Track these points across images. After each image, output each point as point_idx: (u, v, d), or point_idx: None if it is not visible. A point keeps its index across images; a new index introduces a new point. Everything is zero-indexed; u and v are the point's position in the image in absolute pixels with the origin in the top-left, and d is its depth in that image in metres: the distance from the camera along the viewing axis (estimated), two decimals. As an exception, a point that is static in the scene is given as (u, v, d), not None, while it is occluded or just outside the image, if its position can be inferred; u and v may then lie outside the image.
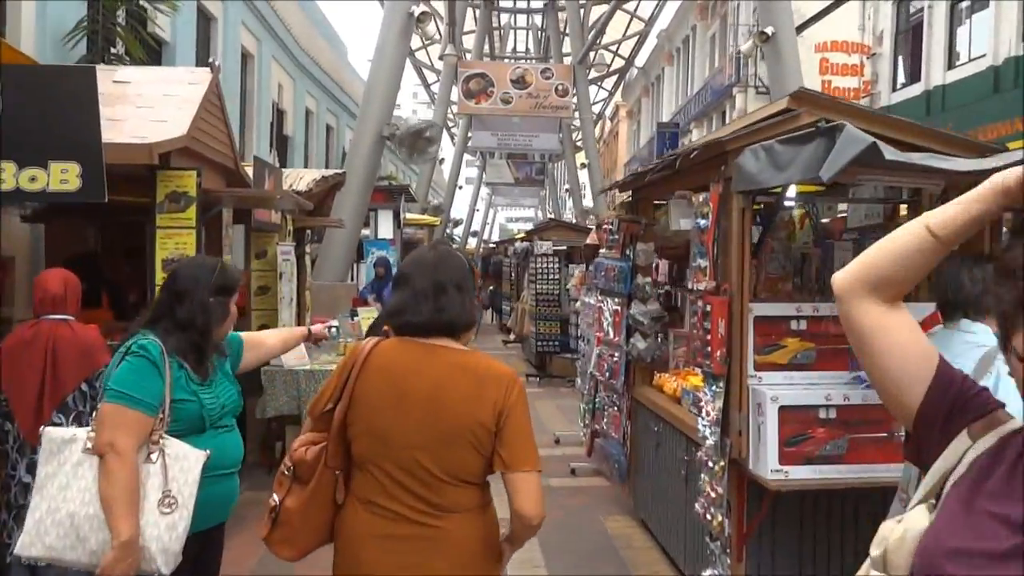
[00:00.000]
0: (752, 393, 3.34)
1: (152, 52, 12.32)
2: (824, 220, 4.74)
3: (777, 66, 10.20)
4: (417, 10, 10.00)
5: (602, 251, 5.61)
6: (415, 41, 28.44)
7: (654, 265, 5.22)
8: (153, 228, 4.71)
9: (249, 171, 6.26)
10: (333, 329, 5.27)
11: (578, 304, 7.45)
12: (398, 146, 10.20)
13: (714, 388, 3.41)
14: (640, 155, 31.74)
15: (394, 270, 12.58)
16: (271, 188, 6.34)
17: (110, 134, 4.40)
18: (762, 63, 19.54)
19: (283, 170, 7.25)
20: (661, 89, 29.53)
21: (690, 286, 3.60)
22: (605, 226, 5.61)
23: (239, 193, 5.17)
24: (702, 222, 3.47)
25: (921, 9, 14.66)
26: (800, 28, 16.73)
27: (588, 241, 6.45)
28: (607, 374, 5.38)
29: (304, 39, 19.67)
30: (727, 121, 21.83)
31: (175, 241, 4.72)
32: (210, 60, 5.07)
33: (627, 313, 5.17)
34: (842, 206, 5.09)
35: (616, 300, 5.26)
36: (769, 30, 9.98)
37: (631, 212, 5.28)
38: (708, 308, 3.41)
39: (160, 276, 4.70)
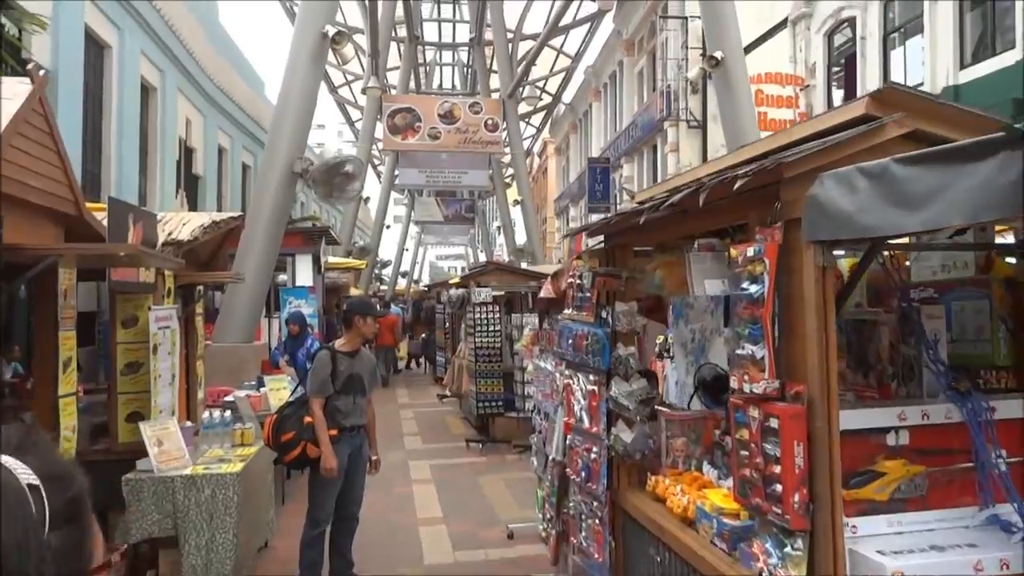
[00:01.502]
0: (852, 559, 2.07)
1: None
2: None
3: (727, 91, 9.28)
4: (332, 30, 8.65)
5: (567, 312, 4.32)
6: (337, 77, 27.07)
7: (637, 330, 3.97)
8: (-74, 305, 3.14)
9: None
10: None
11: (529, 368, 6.12)
12: (313, 183, 8.74)
13: (790, 548, 2.11)
14: (570, 191, 31.00)
15: (313, 323, 10.99)
16: (136, 238, 4.81)
17: None
18: (692, 97, 19.12)
19: (160, 215, 5.70)
20: (589, 125, 28.90)
21: (734, 384, 2.32)
22: (570, 279, 4.33)
23: (60, 250, 3.65)
24: (753, 288, 2.21)
25: (851, 40, 14.25)
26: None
27: (542, 293, 5.14)
28: (582, 473, 4.04)
29: (215, 71, 18.01)
30: (659, 155, 21.23)
31: (-40, 323, 3.17)
32: (28, 65, 3.55)
33: (606, 395, 3.88)
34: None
35: (591, 377, 3.96)
36: (719, 54, 9.06)
37: (606, 261, 4.02)
38: (773, 423, 2.13)
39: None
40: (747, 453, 2.26)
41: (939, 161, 1.72)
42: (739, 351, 2.28)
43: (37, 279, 3.97)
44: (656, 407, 3.90)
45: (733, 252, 2.34)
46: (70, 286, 4.18)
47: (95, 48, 12.75)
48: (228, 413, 5.75)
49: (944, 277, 2.97)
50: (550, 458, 5.33)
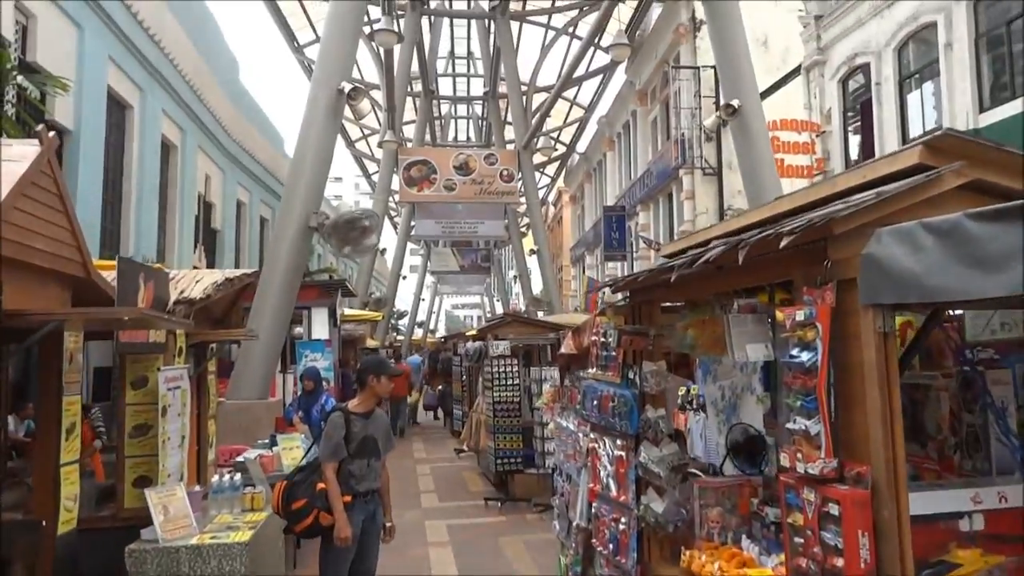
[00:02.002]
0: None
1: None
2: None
3: (744, 139, 9.16)
4: (348, 86, 8.66)
5: (592, 371, 4.09)
6: (354, 131, 27.46)
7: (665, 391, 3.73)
8: (-81, 375, 2.99)
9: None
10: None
11: (550, 426, 5.86)
12: (329, 237, 8.64)
13: (857, 657, 1.84)
14: (586, 239, 30.94)
15: (329, 377, 10.79)
16: (147, 299, 4.68)
17: None
18: (707, 145, 19.09)
19: (172, 273, 5.58)
20: (604, 173, 28.97)
21: (784, 462, 2.09)
22: (593, 336, 4.11)
23: (63, 315, 3.50)
24: (805, 356, 1.99)
25: (865, 85, 14.18)
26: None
27: (563, 350, 4.91)
28: (610, 545, 3.76)
29: (234, 128, 18.27)
30: (675, 202, 21.14)
31: (-46, 394, 3.00)
32: (39, 126, 3.44)
33: (634, 460, 3.63)
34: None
35: (618, 442, 3.72)
36: (735, 103, 8.96)
37: (632, 318, 3.81)
38: (833, 509, 1.88)
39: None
40: (802, 540, 2.01)
41: (1021, 217, 1.52)
42: (790, 425, 2.05)
43: (42, 342, 3.83)
44: (688, 471, 3.64)
45: (779, 316, 2.13)
46: (76, 349, 4.02)
47: (117, 108, 12.93)
48: (238, 476, 5.52)
49: (1005, 336, 2.73)
50: (574, 524, 5.04)
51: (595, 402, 3.91)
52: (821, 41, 15.35)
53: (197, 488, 5.31)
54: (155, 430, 5.11)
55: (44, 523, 3.87)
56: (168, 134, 14.84)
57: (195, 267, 15.25)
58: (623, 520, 3.67)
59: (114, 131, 12.82)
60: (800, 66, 15.87)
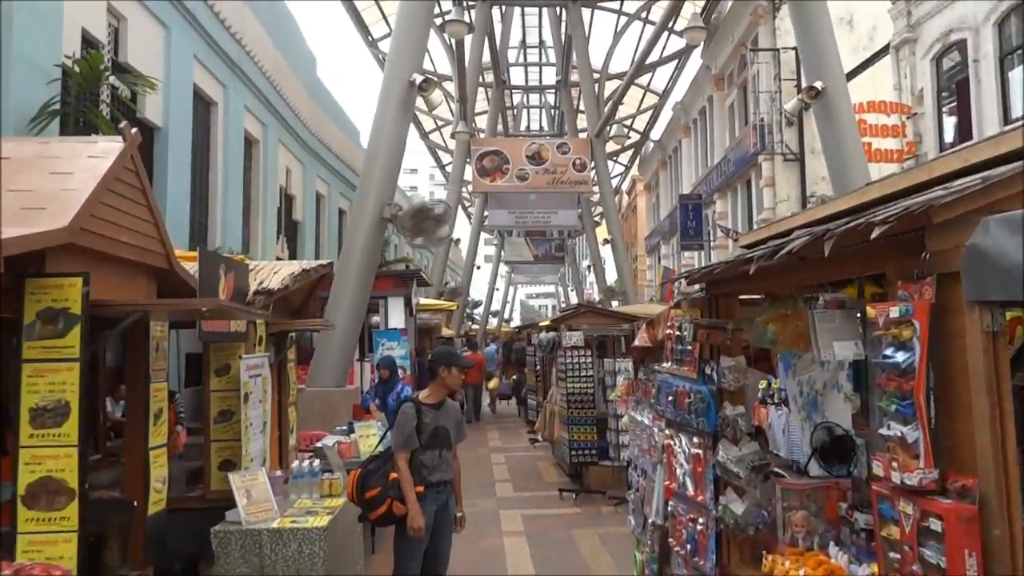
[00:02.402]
0: None
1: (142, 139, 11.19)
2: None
3: (828, 123, 8.72)
4: (419, 78, 8.70)
5: (666, 365, 3.97)
6: (428, 123, 27.75)
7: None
8: (18, 361, 3.14)
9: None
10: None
11: (624, 419, 5.75)
12: (402, 228, 8.73)
13: None
14: (661, 228, 30.38)
15: (405, 365, 10.94)
16: (228, 290, 4.81)
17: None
18: (788, 130, 18.37)
19: (252, 264, 5.74)
20: (679, 161, 28.33)
21: (878, 471, 1.94)
22: (668, 329, 3.98)
23: (146, 306, 3.61)
24: (900, 356, 1.83)
25: (962, 63, 13.30)
26: (830, 90, 15.52)
27: (636, 342, 4.79)
28: (687, 546, 3.64)
29: (312, 122, 18.72)
30: (753, 190, 20.46)
31: (49, 381, 3.15)
32: (122, 124, 3.55)
33: (712, 459, 3.50)
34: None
35: (695, 439, 3.59)
36: (819, 84, 8.54)
37: (709, 311, 3.66)
38: (934, 524, 1.73)
39: (28, 433, 3.12)
40: (898, 556, 1.86)
41: None
42: (884, 430, 1.89)
43: (130, 331, 3.98)
44: (770, 471, 3.48)
45: (871, 312, 1.97)
46: (161, 338, 4.17)
47: (202, 105, 13.41)
48: (316, 462, 5.64)
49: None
50: (649, 520, 4.93)
51: (670, 397, 3.79)
52: (912, 18, 14.48)
53: (278, 473, 5.46)
54: (238, 416, 5.27)
55: (135, 503, 4.04)
56: (250, 129, 15.33)
57: (278, 258, 15.74)
58: (701, 520, 3.55)
59: (200, 127, 13.31)
60: (889, 45, 15.03)
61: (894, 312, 1.86)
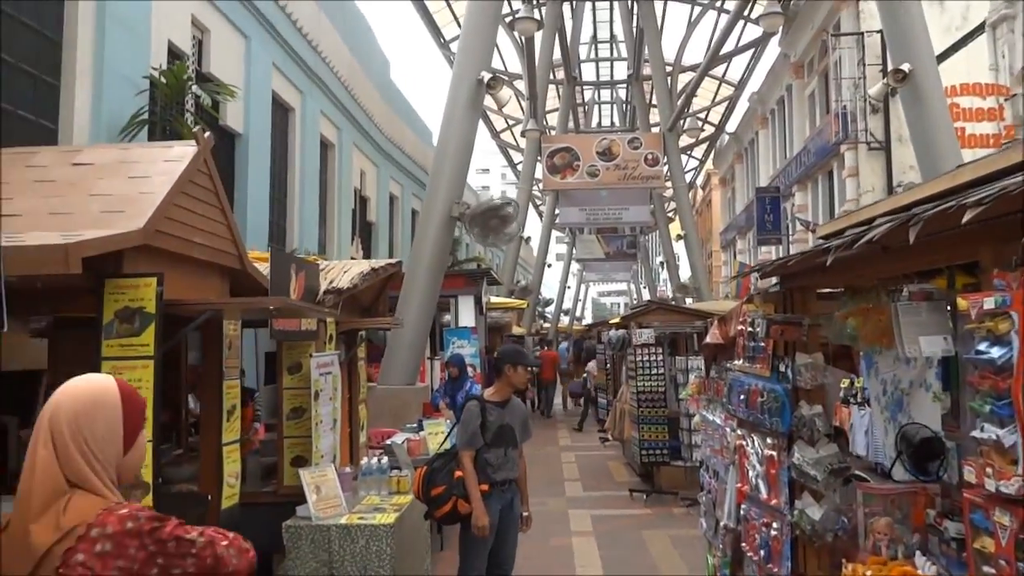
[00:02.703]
0: None
1: (221, 145, 11.62)
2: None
3: (917, 108, 8.21)
4: (487, 75, 8.70)
5: (738, 363, 3.79)
6: (499, 122, 27.84)
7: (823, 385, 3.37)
8: (98, 359, 3.26)
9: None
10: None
11: (696, 419, 5.56)
12: (470, 226, 8.75)
13: None
14: (737, 223, 29.54)
15: (475, 363, 10.97)
16: (299, 289, 4.90)
17: (39, 233, 3.08)
18: (872, 117, 17.53)
19: (321, 263, 5.83)
20: (756, 153, 27.45)
21: (966, 475, 1.76)
22: (740, 325, 3.80)
23: (216, 305, 3.69)
24: (995, 352, 1.66)
25: (1069, 40, 12.35)
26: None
27: (708, 339, 4.61)
28: (761, 552, 3.47)
29: (386, 125, 19.06)
30: (835, 181, 19.61)
31: (127, 378, 3.25)
32: (196, 128, 3.65)
33: (787, 461, 3.31)
34: None
35: (768, 440, 3.41)
36: (906, 67, 8.06)
37: (783, 306, 3.47)
38: (1035, 538, 1.55)
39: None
40: (993, 571, 1.68)
41: None
42: (977, 433, 1.72)
43: (204, 330, 4.09)
44: (850, 474, 3.27)
45: (962, 304, 1.79)
46: (234, 336, 4.28)
47: (280, 111, 13.83)
48: (385, 460, 5.69)
49: None
50: (721, 523, 4.75)
51: (742, 396, 3.62)
52: (1011, -8, 13.55)
53: (348, 469, 5.53)
54: (309, 413, 5.37)
55: (209, 497, 4.15)
56: (326, 133, 15.71)
57: (352, 258, 16.10)
58: (775, 525, 3.37)
59: (278, 133, 13.73)
60: (984, 22, 14.10)
61: (989, 303, 1.68)
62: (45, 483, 1.44)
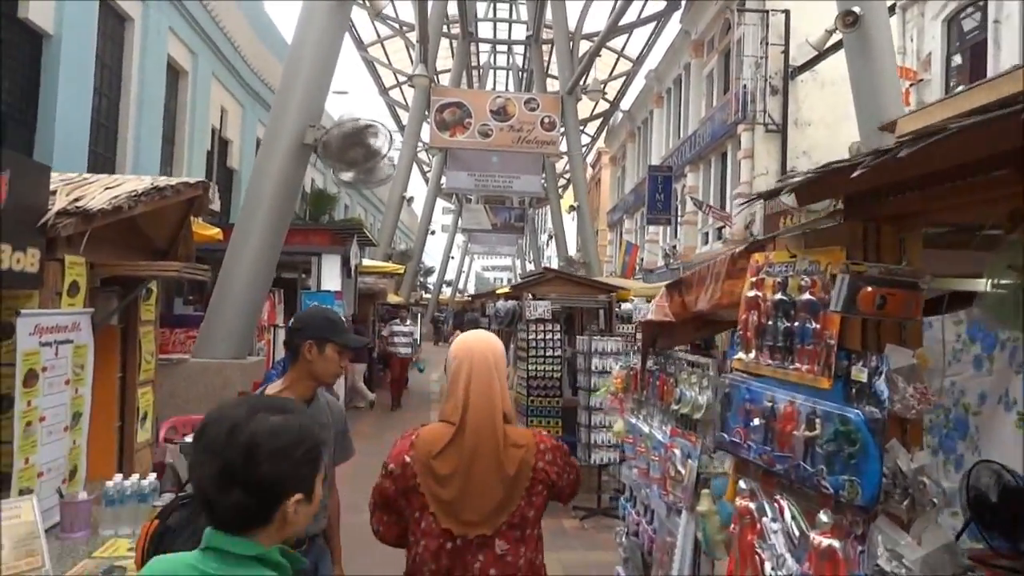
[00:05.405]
0: None
1: (20, 43, 8.81)
2: None
3: (864, 55, 6.91)
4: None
5: (746, 357, 2.04)
6: (388, 78, 25.29)
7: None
8: None
9: None
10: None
11: (617, 427, 3.85)
12: (325, 157, 6.57)
13: None
14: (625, 202, 28.65)
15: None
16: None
17: None
18: (772, 99, 16.75)
19: (68, 175, 3.63)
20: (649, 132, 26.48)
21: None
22: (755, 290, 2.04)
23: None
24: None
25: (980, 25, 11.66)
26: (826, 54, 13.76)
27: (649, 315, 2.86)
28: None
29: (255, 59, 16.27)
30: (729, 162, 18.80)
31: None
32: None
33: (864, 560, 1.60)
34: None
35: (824, 517, 1.68)
36: (857, 9, 6.69)
37: (864, 254, 1.72)
38: None
39: None
40: None
41: None
42: None
43: None
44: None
45: None
46: None
47: (113, 18, 10.97)
48: (152, 478, 3.60)
49: None
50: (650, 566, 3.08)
51: (759, 422, 1.87)
52: (923, -25, 12.80)
53: (82, 495, 3.39)
54: (13, 406, 3.20)
55: None
56: (176, 55, 12.88)
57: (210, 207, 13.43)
58: None
59: (110, 45, 10.90)
60: (895, 4, 13.32)
61: None
62: None
